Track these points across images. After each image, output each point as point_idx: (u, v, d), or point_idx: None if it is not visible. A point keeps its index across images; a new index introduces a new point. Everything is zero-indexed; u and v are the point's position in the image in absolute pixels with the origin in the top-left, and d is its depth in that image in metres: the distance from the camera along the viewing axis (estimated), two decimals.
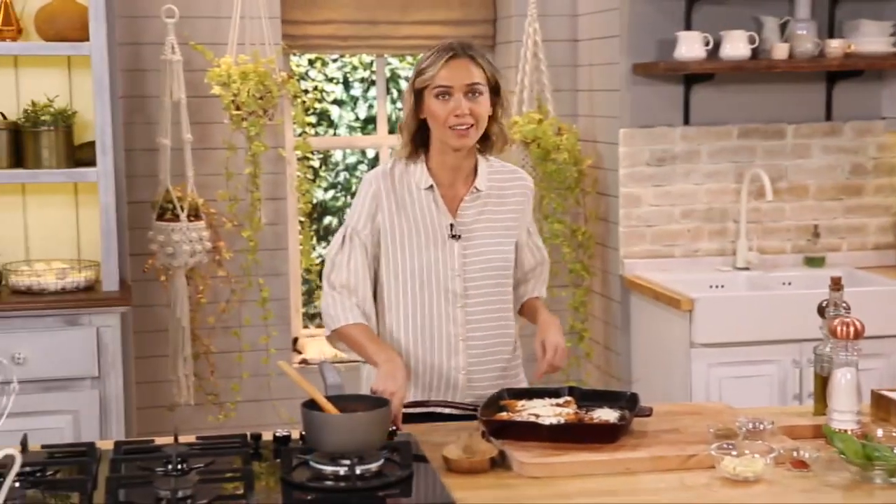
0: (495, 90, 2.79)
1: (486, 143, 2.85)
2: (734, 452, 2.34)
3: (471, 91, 2.73)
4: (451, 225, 2.82)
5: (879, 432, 2.46)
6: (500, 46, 5.31)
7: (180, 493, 2.16)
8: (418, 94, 2.78)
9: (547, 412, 2.58)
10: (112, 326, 3.99)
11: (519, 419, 2.56)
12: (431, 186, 2.83)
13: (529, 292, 3.02)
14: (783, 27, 4.71)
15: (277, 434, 2.54)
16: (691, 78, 4.73)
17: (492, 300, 2.87)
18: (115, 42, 4.43)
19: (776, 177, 4.85)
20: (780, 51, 4.62)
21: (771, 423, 2.52)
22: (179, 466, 2.29)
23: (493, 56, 5.39)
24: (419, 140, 2.84)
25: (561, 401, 2.68)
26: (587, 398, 2.72)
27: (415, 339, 2.85)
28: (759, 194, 4.79)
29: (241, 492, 2.23)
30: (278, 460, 2.40)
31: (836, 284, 2.73)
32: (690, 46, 4.55)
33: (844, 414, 2.52)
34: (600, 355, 5.10)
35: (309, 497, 2.26)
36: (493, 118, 2.80)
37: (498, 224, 2.88)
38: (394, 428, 2.52)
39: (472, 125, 2.74)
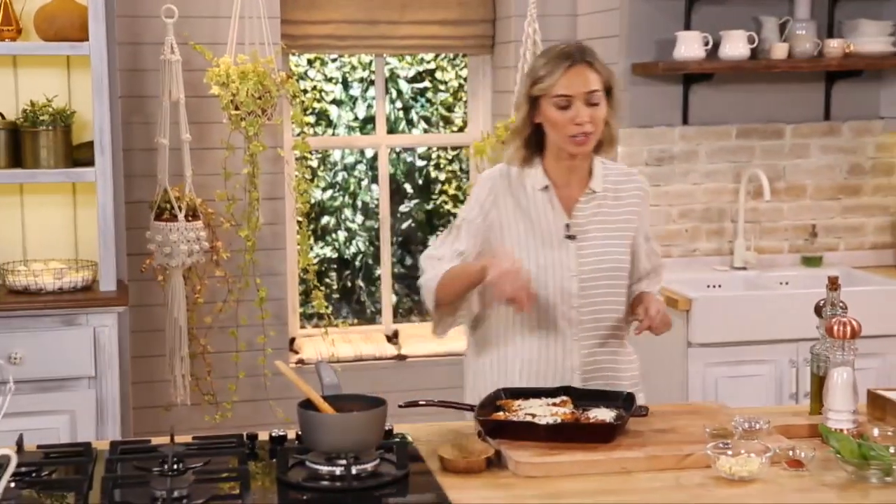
0: (609, 92, 2.78)
1: (597, 145, 2.83)
2: (730, 452, 2.34)
3: (590, 98, 2.73)
4: (567, 225, 2.82)
5: (875, 432, 2.46)
6: (499, 46, 5.31)
7: (176, 493, 2.16)
8: (533, 101, 2.77)
9: (543, 412, 2.58)
10: (109, 326, 3.99)
11: (515, 419, 2.55)
12: (547, 187, 2.83)
13: (642, 289, 2.98)
14: (782, 27, 4.71)
15: (273, 434, 2.54)
16: (690, 78, 4.73)
17: (606, 301, 2.87)
18: (115, 42, 4.43)
19: (774, 177, 4.85)
20: (780, 51, 4.62)
21: (767, 423, 2.52)
22: (175, 466, 2.28)
23: (492, 57, 5.39)
24: (533, 144, 2.83)
25: (557, 400, 2.68)
26: (584, 398, 2.71)
27: (530, 341, 2.86)
28: (757, 194, 4.79)
29: (236, 492, 2.23)
30: (274, 460, 2.39)
31: (834, 284, 2.73)
32: (690, 46, 4.55)
33: (841, 413, 2.52)
34: None
35: (305, 497, 2.26)
36: (608, 113, 2.79)
37: (612, 225, 2.88)
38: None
39: (590, 133, 2.74)
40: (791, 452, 2.39)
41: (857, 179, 5.00)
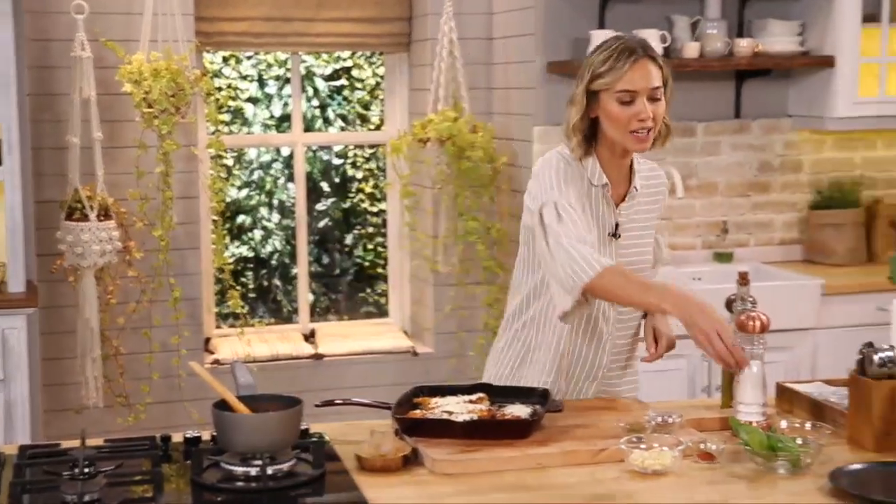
0: (665, 84, 2.73)
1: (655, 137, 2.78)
2: (643, 446, 2.38)
3: (653, 94, 2.68)
4: (617, 224, 2.80)
5: (783, 424, 2.51)
6: (416, 44, 5.31)
7: (87, 498, 2.13)
8: (592, 95, 2.70)
9: (460, 409, 2.59)
10: (18, 328, 3.91)
11: (432, 416, 2.56)
12: (606, 184, 2.77)
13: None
14: (694, 26, 4.78)
15: (188, 435, 2.51)
16: None
17: (630, 333, 2.90)
18: (23, 38, 4.34)
19: (686, 174, 4.92)
20: (691, 50, 4.69)
21: (679, 417, 2.56)
22: (86, 470, 2.24)
23: (408, 55, 5.39)
24: (590, 139, 2.76)
25: (474, 397, 2.69)
26: (500, 395, 2.73)
27: (572, 332, 2.82)
28: (670, 191, 4.85)
29: (150, 494, 2.21)
30: (188, 462, 2.37)
31: (744, 279, 2.78)
32: None
33: (750, 406, 2.56)
34: None
35: (219, 498, 2.24)
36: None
37: (645, 223, 2.88)
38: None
39: (651, 128, 2.70)
40: (702, 445, 2.43)
41: (767, 177, 5.10)
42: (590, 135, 2.75)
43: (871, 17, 4.81)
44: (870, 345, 2.52)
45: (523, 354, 2.92)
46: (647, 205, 2.90)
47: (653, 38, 4.61)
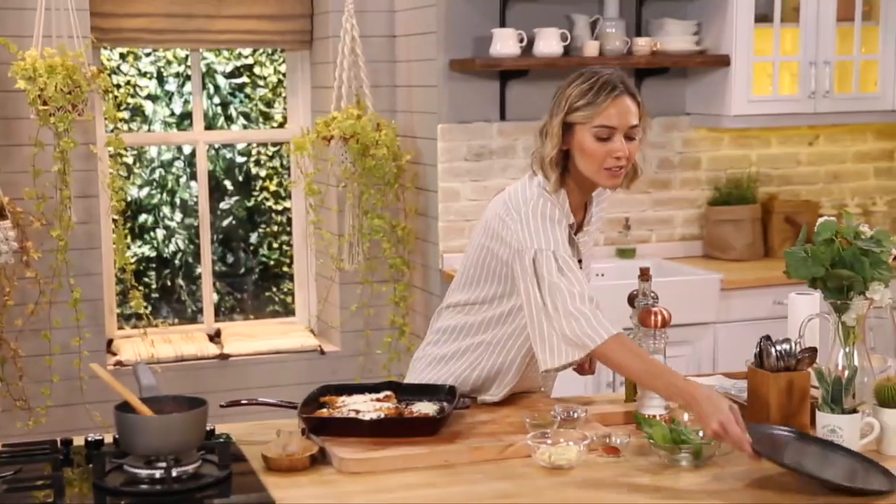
0: (643, 126, 2.67)
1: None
2: (549, 441, 2.40)
3: (630, 133, 2.62)
4: (580, 261, 2.70)
5: (686, 417, 2.56)
6: (318, 42, 5.29)
7: None
8: (567, 128, 2.61)
9: (367, 407, 2.59)
10: None
11: (339, 415, 2.55)
12: (573, 224, 2.70)
13: None
14: (593, 25, 4.84)
15: (89, 439, 2.47)
16: (506, 74, 4.81)
17: None
18: None
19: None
20: (591, 48, 4.74)
21: (584, 412, 2.59)
22: None
23: (310, 52, 5.36)
24: (563, 172, 2.66)
25: (381, 395, 2.69)
26: (407, 392, 2.74)
27: (530, 360, 2.73)
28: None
29: (51, 500, 2.17)
30: (91, 465, 2.33)
31: (645, 275, 2.83)
32: (505, 43, 4.63)
33: (653, 400, 2.61)
34: None
35: (123, 502, 2.21)
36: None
37: (591, 247, 2.85)
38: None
39: (624, 167, 2.63)
40: (607, 439, 2.47)
41: (667, 173, 5.19)
42: (563, 168, 2.67)
43: (763, 17, 4.92)
44: (767, 338, 2.58)
45: (471, 370, 2.82)
46: (594, 227, 2.87)
47: (552, 36, 4.67)
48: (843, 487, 2.22)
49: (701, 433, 2.42)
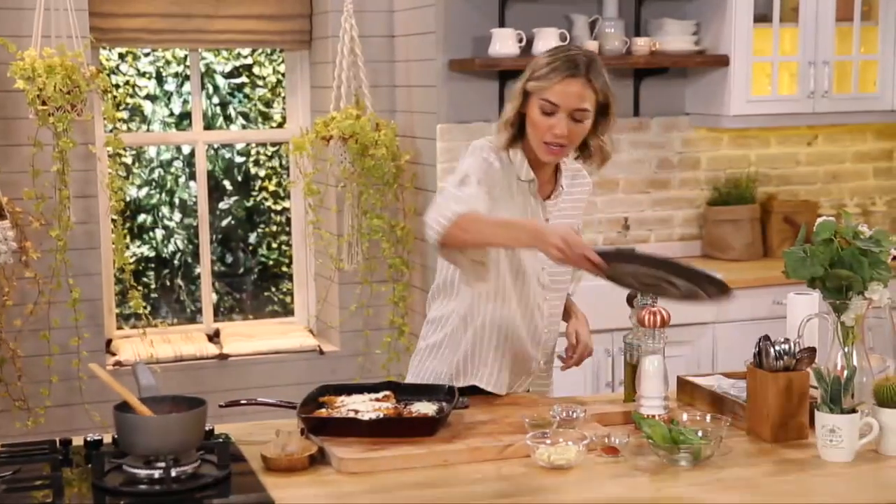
0: (604, 109, 2.73)
1: (584, 153, 2.82)
2: (548, 441, 2.40)
3: (575, 115, 2.67)
4: (547, 220, 2.79)
5: (684, 417, 2.56)
6: (317, 42, 5.29)
7: None
8: (526, 94, 2.71)
9: (366, 407, 2.59)
10: None
11: (338, 415, 2.55)
12: (533, 180, 2.78)
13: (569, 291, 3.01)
14: (592, 25, 4.84)
15: (89, 439, 2.47)
16: (505, 74, 4.81)
17: (563, 296, 2.94)
18: None
19: (588, 171, 4.97)
20: (590, 48, 4.74)
21: (583, 412, 2.59)
22: None
23: (309, 52, 5.36)
24: (519, 134, 2.76)
25: (380, 395, 2.69)
26: (406, 392, 2.74)
27: (510, 326, 2.82)
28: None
29: (50, 500, 2.17)
30: (90, 466, 2.33)
31: None
32: (504, 43, 4.63)
33: (652, 400, 2.61)
34: None
35: (122, 502, 2.21)
36: (594, 132, 2.75)
37: (569, 220, 2.88)
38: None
39: (565, 146, 2.69)
40: (606, 439, 2.47)
41: (666, 173, 5.19)
42: (519, 131, 2.76)
43: (762, 17, 4.93)
44: (766, 338, 2.58)
45: (454, 352, 2.87)
46: (571, 204, 2.92)
47: (551, 36, 4.66)
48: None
49: (700, 433, 2.42)
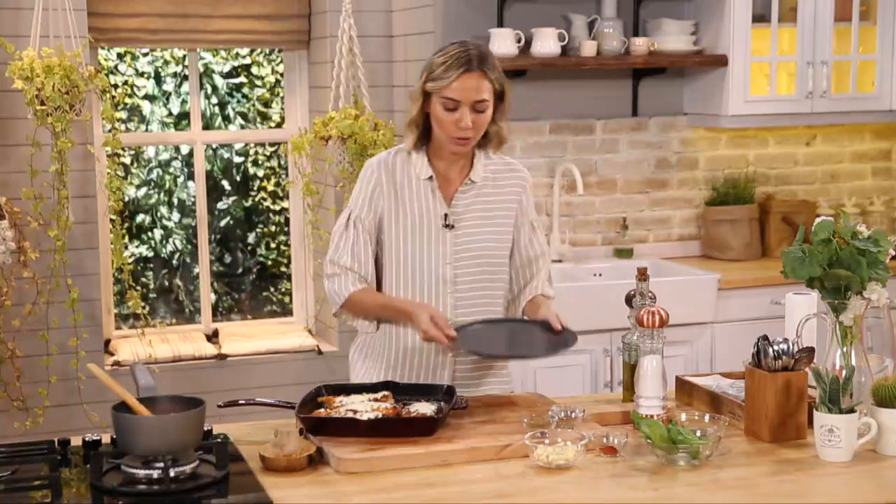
0: (500, 96, 2.86)
1: (483, 140, 2.93)
2: (547, 441, 2.40)
3: (476, 106, 2.80)
4: (446, 215, 2.90)
5: (683, 416, 2.56)
6: (315, 42, 5.28)
7: None
8: (427, 95, 2.84)
9: (365, 407, 2.59)
10: None
11: (336, 415, 2.55)
12: (431, 177, 2.91)
13: (534, 290, 3.04)
14: (591, 25, 4.84)
15: (87, 439, 2.47)
16: (504, 74, 4.80)
17: (481, 286, 2.96)
18: None
19: (586, 171, 4.98)
20: (589, 48, 4.75)
21: (582, 412, 2.59)
22: None
23: (308, 52, 5.36)
24: (424, 134, 2.91)
25: (379, 395, 2.69)
26: (405, 392, 2.74)
27: (405, 332, 2.93)
28: (571, 188, 4.92)
29: (48, 500, 2.17)
30: (88, 466, 2.33)
31: (643, 275, 2.83)
32: (503, 43, 4.63)
33: (651, 400, 2.61)
34: None
35: (121, 502, 2.21)
36: (492, 120, 2.87)
37: (491, 214, 2.96)
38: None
39: (471, 137, 2.84)
40: (605, 439, 2.47)
41: (664, 173, 5.19)
42: (425, 131, 2.90)
43: (760, 17, 4.93)
44: (765, 338, 2.59)
45: (377, 352, 3.03)
46: (495, 196, 2.97)
47: (550, 37, 4.67)
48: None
49: (699, 432, 2.42)
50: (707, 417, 2.57)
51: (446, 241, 2.91)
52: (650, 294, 2.80)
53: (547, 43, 4.68)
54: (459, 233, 2.92)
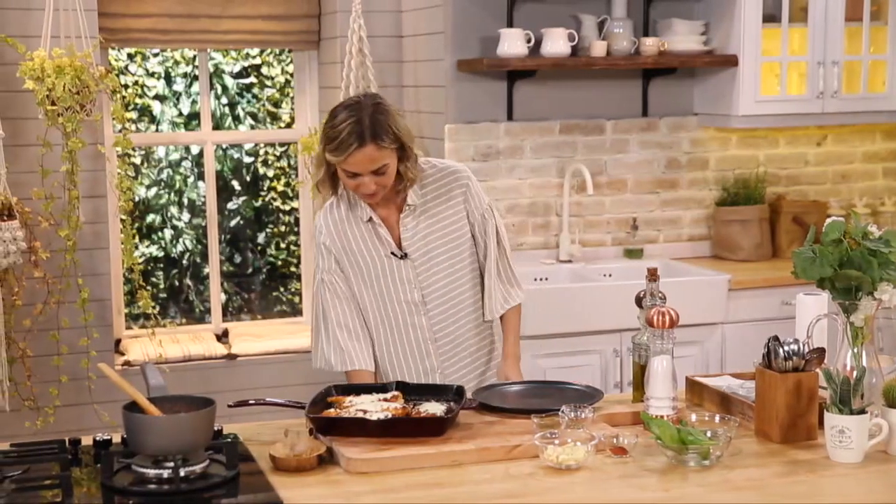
0: (401, 148, 2.87)
1: (397, 180, 2.94)
2: (557, 441, 2.40)
3: (377, 171, 2.84)
4: (393, 253, 2.97)
5: (693, 417, 2.56)
6: (325, 42, 5.29)
7: None
8: (328, 160, 2.88)
9: (375, 407, 2.59)
10: None
11: (346, 415, 2.55)
12: (371, 219, 2.96)
13: (502, 301, 3.10)
14: (601, 25, 4.84)
15: (98, 438, 2.47)
16: (514, 74, 4.81)
17: (452, 301, 3.04)
18: None
19: (596, 171, 4.98)
20: (599, 48, 4.74)
21: (592, 412, 2.59)
22: None
23: (318, 52, 5.36)
24: (335, 185, 2.96)
25: (388, 395, 2.69)
26: (414, 392, 2.74)
27: (388, 351, 3.04)
28: (581, 188, 4.91)
29: (59, 499, 2.17)
30: (99, 465, 2.33)
31: (653, 275, 2.83)
32: (512, 43, 4.63)
33: (661, 400, 2.60)
34: None
35: (131, 502, 2.21)
36: (400, 161, 2.89)
37: (442, 224, 3.01)
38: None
39: (377, 192, 2.88)
40: (615, 440, 2.47)
41: (674, 173, 5.18)
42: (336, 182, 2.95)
43: (771, 17, 4.92)
44: (775, 338, 2.58)
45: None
46: (442, 204, 3.02)
47: (560, 37, 4.66)
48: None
49: (709, 433, 2.42)
50: (717, 418, 2.57)
51: (407, 267, 2.99)
52: (660, 294, 2.80)
53: (557, 43, 4.68)
54: (416, 255, 2.99)
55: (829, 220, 2.55)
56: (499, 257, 3.10)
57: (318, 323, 3.05)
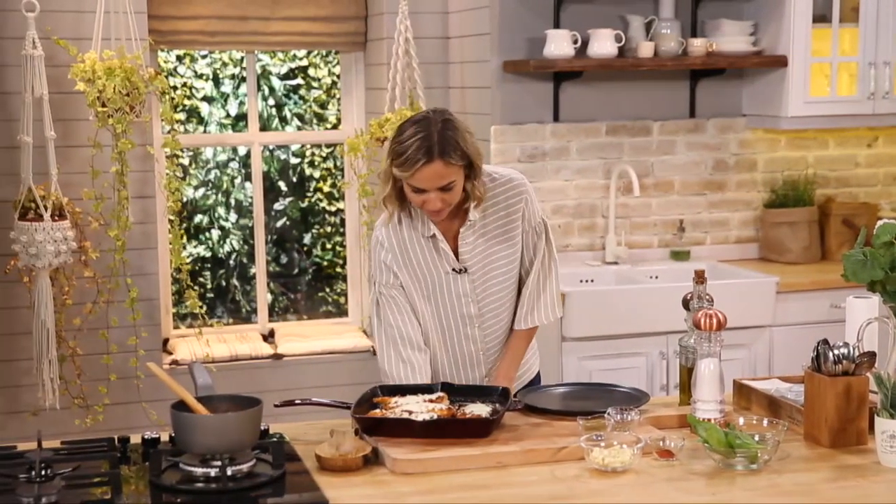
0: (469, 165, 2.82)
1: (463, 196, 2.90)
2: (603, 444, 2.39)
3: (444, 188, 2.79)
4: (454, 269, 2.95)
5: (741, 421, 2.54)
6: (372, 43, 5.30)
7: (44, 500, 2.11)
8: (395, 174, 2.83)
9: (420, 408, 2.59)
10: None
11: (392, 416, 2.56)
12: (434, 235, 2.94)
13: (523, 318, 3.06)
14: (648, 26, 4.81)
15: (146, 436, 2.49)
16: (560, 75, 4.80)
17: (505, 314, 3.04)
18: None
19: (643, 173, 4.95)
20: (646, 49, 4.72)
21: (638, 414, 2.57)
22: (43, 472, 2.23)
23: (364, 53, 5.38)
24: (402, 201, 2.91)
25: (434, 397, 2.70)
26: (460, 393, 2.74)
27: (440, 360, 3.03)
28: (627, 190, 4.89)
29: (108, 496, 2.19)
30: (147, 463, 2.35)
31: (700, 277, 2.81)
32: (559, 44, 4.62)
33: (708, 403, 2.59)
34: None
35: (179, 500, 2.23)
36: (468, 179, 2.84)
37: (499, 239, 2.98)
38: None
39: (442, 209, 2.84)
40: (661, 443, 2.45)
41: (722, 175, 5.15)
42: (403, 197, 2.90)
43: (821, 17, 4.87)
44: (825, 342, 2.55)
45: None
46: (503, 219, 2.99)
47: (607, 38, 4.64)
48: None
49: (757, 437, 2.40)
50: (765, 422, 2.55)
51: (465, 282, 2.96)
52: (707, 297, 2.78)
53: (604, 44, 4.66)
54: (474, 270, 2.96)
55: (880, 223, 2.52)
56: (539, 277, 3.04)
57: (381, 336, 3.02)
